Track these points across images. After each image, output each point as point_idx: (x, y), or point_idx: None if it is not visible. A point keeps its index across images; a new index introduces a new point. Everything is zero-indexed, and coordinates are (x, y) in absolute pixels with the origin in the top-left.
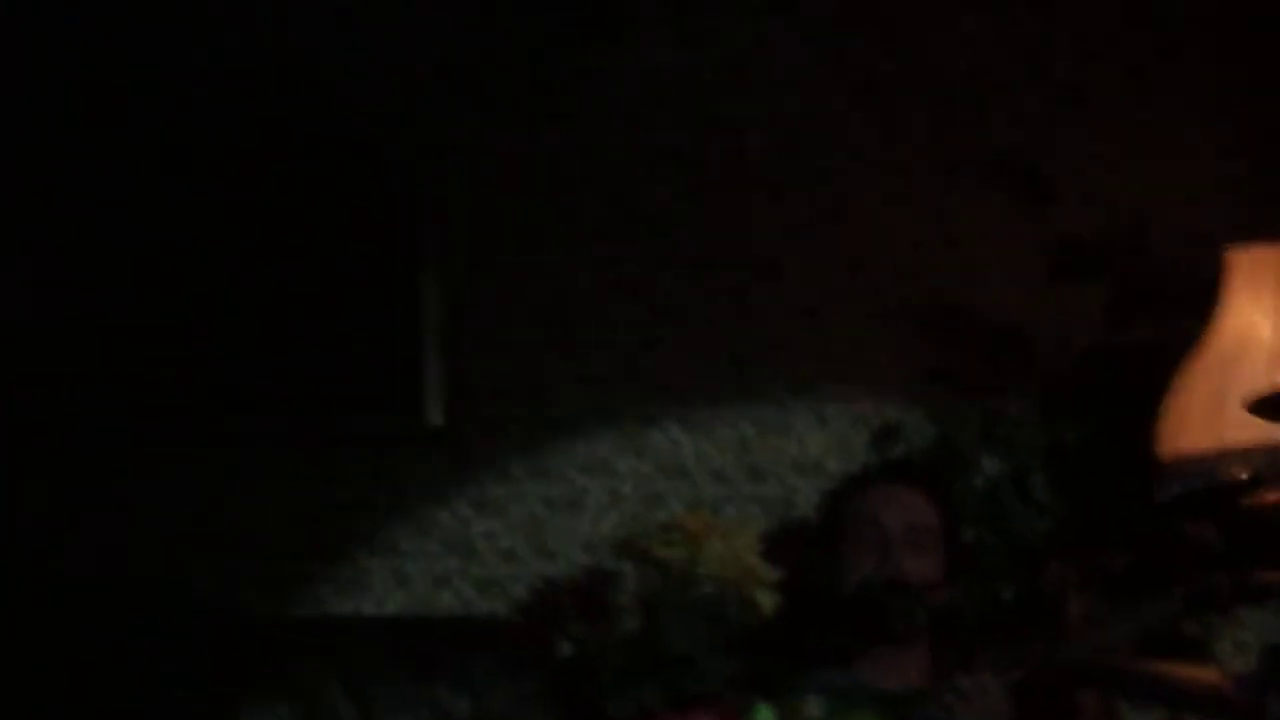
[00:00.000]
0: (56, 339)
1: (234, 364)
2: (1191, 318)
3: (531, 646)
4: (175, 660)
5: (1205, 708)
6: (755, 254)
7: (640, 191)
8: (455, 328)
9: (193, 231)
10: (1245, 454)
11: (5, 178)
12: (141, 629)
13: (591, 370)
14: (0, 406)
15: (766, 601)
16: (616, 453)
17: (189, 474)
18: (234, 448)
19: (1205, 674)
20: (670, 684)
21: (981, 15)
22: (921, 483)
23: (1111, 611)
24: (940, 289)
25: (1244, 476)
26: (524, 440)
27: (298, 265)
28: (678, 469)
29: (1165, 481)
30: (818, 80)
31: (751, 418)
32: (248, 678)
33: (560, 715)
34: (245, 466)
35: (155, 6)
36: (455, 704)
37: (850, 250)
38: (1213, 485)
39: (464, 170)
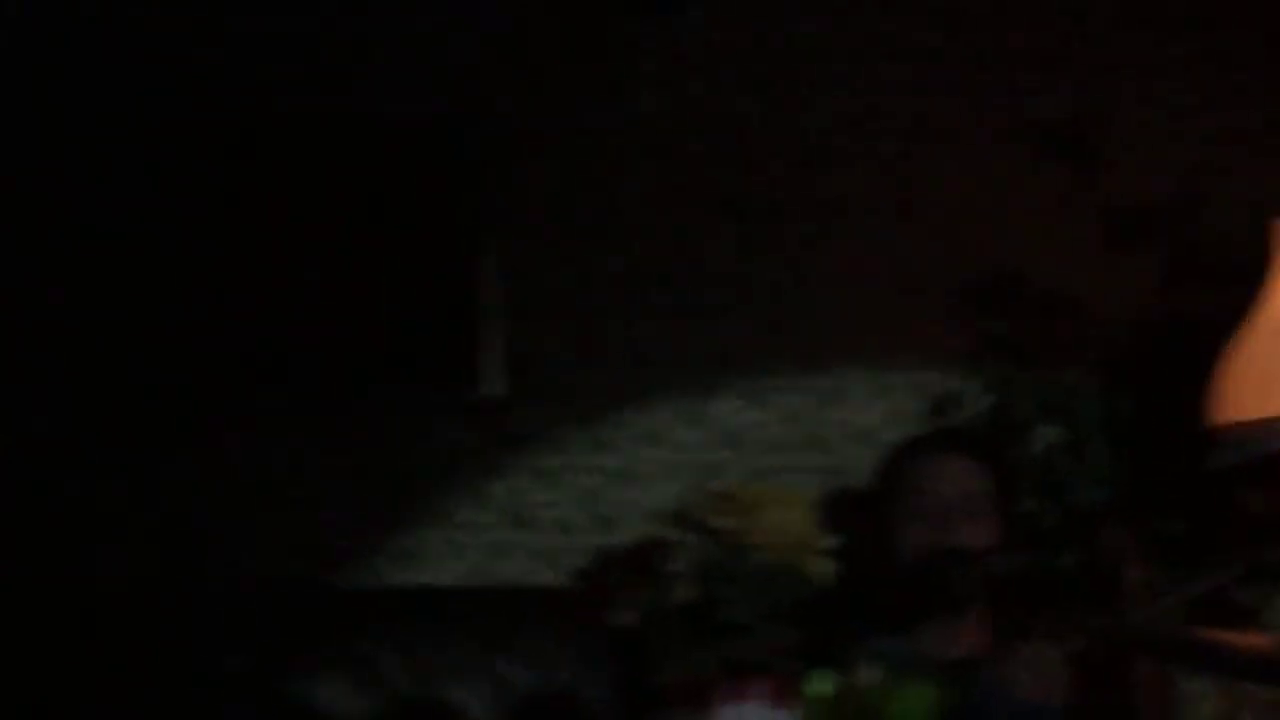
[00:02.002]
0: (107, 309)
1: (295, 337)
2: (1245, 287)
3: (588, 616)
4: (234, 633)
5: (1260, 674)
6: (810, 225)
7: (695, 165)
8: (513, 301)
9: (262, 207)
10: None
11: (53, 125)
12: (199, 602)
13: (647, 343)
14: (39, 376)
15: (821, 570)
16: (672, 424)
17: (249, 445)
18: (293, 419)
19: (1259, 641)
20: (725, 652)
21: None
22: (974, 450)
23: (1167, 580)
24: (995, 258)
25: None
26: (580, 412)
27: (361, 240)
28: (734, 439)
29: (1219, 450)
30: (871, 51)
31: (808, 388)
32: (306, 649)
33: (617, 684)
34: (304, 438)
35: None
36: (514, 674)
37: (904, 220)
38: (1264, 453)
39: (525, 149)
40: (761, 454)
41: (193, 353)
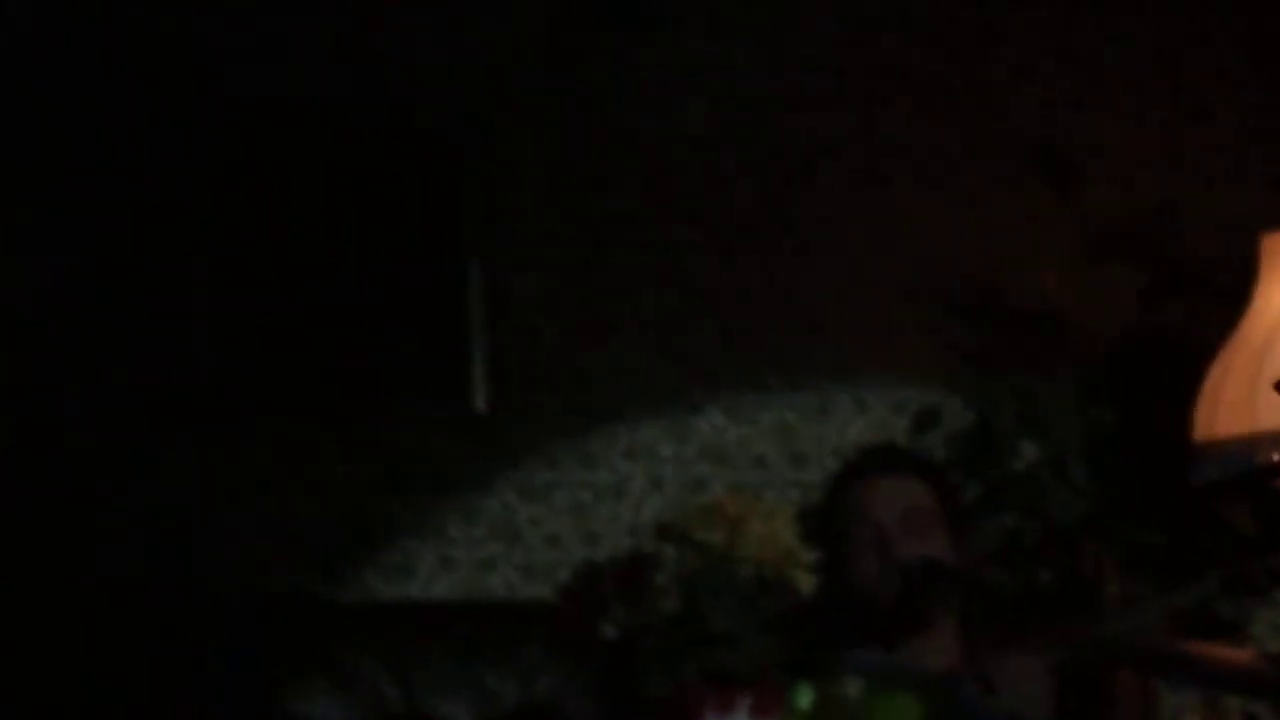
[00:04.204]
0: (99, 323)
1: (284, 351)
2: (1226, 302)
3: (575, 630)
4: (223, 645)
5: (1242, 687)
6: (792, 241)
7: (677, 180)
8: (500, 316)
9: (249, 220)
10: (1279, 438)
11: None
12: (189, 615)
13: (633, 357)
14: (27, 394)
15: (805, 582)
16: (658, 439)
17: (239, 459)
18: (283, 434)
19: (1241, 654)
20: (710, 663)
21: (1012, 2)
22: (912, 467)
23: (1148, 594)
24: (975, 274)
25: (1278, 460)
26: (568, 427)
27: (349, 255)
28: (719, 454)
29: (1200, 465)
30: (851, 67)
31: (791, 404)
32: (294, 662)
33: (604, 698)
34: (293, 452)
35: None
36: (501, 688)
37: (885, 235)
38: (1247, 469)
39: (508, 162)
40: (745, 469)
41: (183, 361)
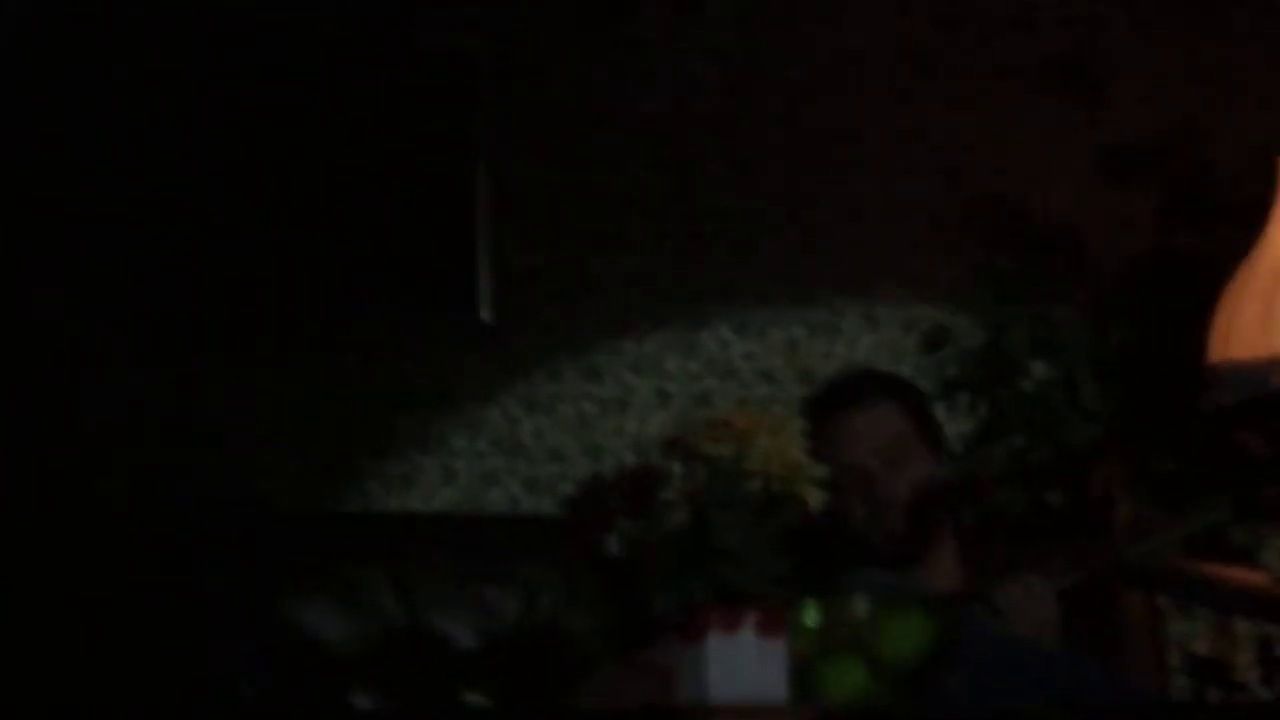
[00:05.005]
0: (103, 233)
1: (287, 259)
2: (1243, 225)
3: (579, 545)
4: (223, 555)
5: (1252, 609)
6: (806, 155)
7: (692, 93)
8: (507, 225)
9: (259, 129)
10: None
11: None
12: (191, 527)
13: (641, 270)
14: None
15: (814, 498)
16: (665, 352)
17: (240, 368)
18: (286, 342)
19: (1252, 576)
20: (717, 580)
21: None
22: (881, 391)
23: (1159, 518)
24: (991, 192)
25: None
26: (573, 339)
27: (353, 162)
28: (726, 369)
29: (1215, 388)
30: None
31: (801, 319)
32: (295, 573)
33: (607, 615)
34: (297, 361)
35: None
36: (503, 603)
37: (901, 152)
38: (1261, 393)
39: (520, 69)
40: (752, 384)
41: (185, 274)
